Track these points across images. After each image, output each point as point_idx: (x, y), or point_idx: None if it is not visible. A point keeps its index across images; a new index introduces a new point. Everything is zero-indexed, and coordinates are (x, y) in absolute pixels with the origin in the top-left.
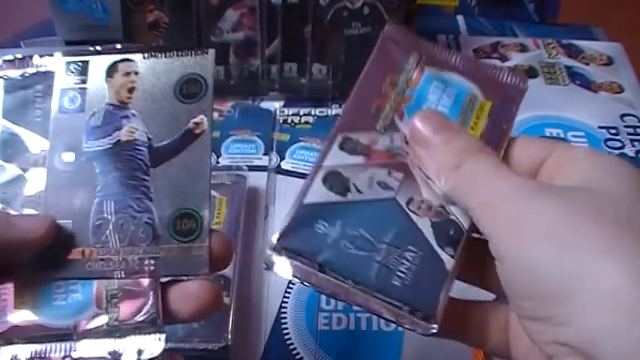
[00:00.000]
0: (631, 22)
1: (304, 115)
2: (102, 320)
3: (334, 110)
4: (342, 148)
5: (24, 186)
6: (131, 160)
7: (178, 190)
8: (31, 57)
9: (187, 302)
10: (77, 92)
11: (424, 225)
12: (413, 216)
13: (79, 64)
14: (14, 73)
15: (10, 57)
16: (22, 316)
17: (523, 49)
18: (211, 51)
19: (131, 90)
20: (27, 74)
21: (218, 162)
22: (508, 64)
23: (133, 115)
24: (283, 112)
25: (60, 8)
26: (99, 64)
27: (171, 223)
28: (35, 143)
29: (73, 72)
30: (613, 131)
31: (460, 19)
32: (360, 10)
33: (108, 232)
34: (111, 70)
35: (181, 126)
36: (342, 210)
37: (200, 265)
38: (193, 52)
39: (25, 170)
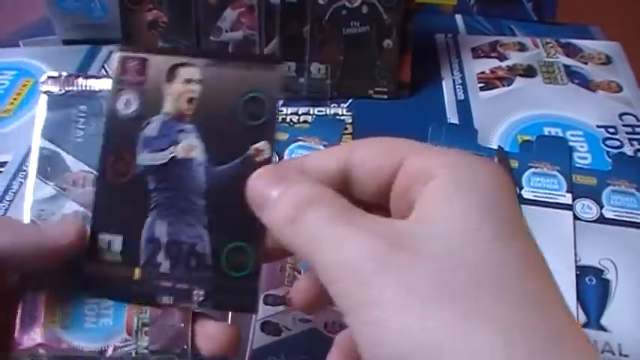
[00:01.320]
0: (630, 21)
1: (303, 114)
2: (131, 347)
3: (333, 109)
4: (266, 303)
5: (62, 205)
6: (187, 180)
7: (233, 221)
8: (77, 75)
9: (207, 341)
10: (132, 95)
11: None
12: (331, 335)
13: (137, 62)
14: (58, 90)
15: (55, 74)
16: (50, 334)
17: (522, 48)
18: (280, 67)
19: (191, 101)
20: (72, 93)
21: None
22: (507, 63)
23: (191, 130)
24: (282, 111)
25: (58, 7)
26: (158, 64)
27: (223, 255)
28: (76, 163)
29: (130, 70)
30: (611, 130)
31: (459, 18)
32: (359, 10)
33: (159, 255)
34: (170, 74)
35: (241, 150)
36: (282, 345)
37: (249, 304)
38: (261, 65)
39: (63, 190)
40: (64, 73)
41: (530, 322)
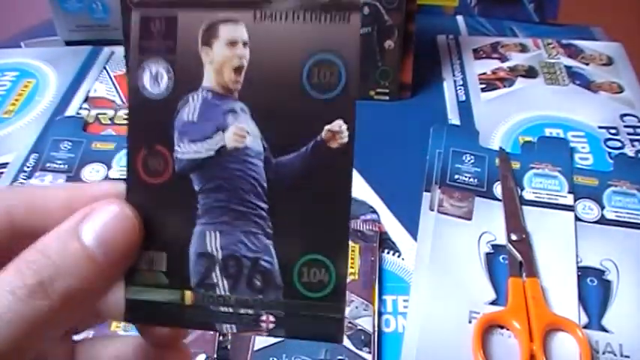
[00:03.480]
0: (631, 22)
1: None
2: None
3: None
4: None
5: None
6: (242, 177)
7: (307, 227)
8: None
9: None
10: (161, 67)
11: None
12: None
13: (163, 21)
14: None
15: None
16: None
17: (523, 49)
18: (355, 17)
19: (239, 70)
20: None
21: None
22: (508, 64)
23: (242, 109)
24: None
25: (60, 8)
26: (190, 23)
27: (296, 272)
28: None
29: (155, 33)
30: (613, 131)
31: (460, 19)
32: (360, 11)
33: (214, 273)
34: (209, 35)
35: (311, 133)
36: (283, 347)
37: (332, 331)
38: (328, 17)
39: None
40: None
41: None
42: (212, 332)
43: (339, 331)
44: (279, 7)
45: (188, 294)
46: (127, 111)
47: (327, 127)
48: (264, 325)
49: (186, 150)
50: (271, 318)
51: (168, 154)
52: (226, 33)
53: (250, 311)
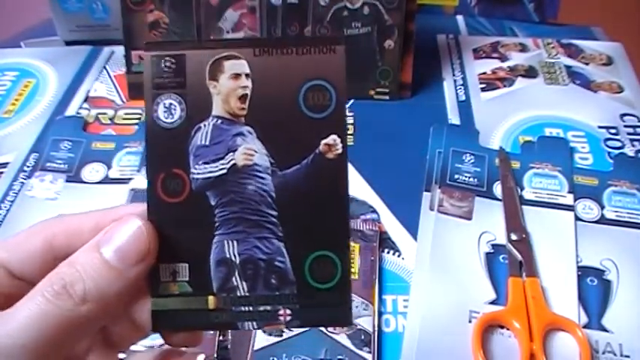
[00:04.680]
0: (631, 22)
1: None
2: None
3: None
4: None
5: None
6: (252, 190)
7: (312, 228)
8: None
9: None
10: (174, 100)
11: (342, 338)
12: (333, 335)
13: (173, 60)
14: None
15: None
16: None
17: (523, 48)
18: (340, 48)
19: (243, 99)
20: None
21: None
22: (508, 63)
23: (249, 132)
24: None
25: (60, 8)
26: (198, 60)
27: (306, 268)
28: None
29: (166, 71)
30: (613, 131)
31: (460, 19)
32: (360, 10)
33: (234, 277)
34: (214, 70)
35: (309, 148)
36: (283, 346)
37: (343, 315)
38: (317, 49)
39: None
40: None
41: None
42: (212, 332)
43: (348, 315)
44: (275, 44)
45: (211, 299)
46: (144, 141)
47: (323, 141)
48: (281, 318)
49: (201, 170)
50: (288, 311)
51: (185, 176)
52: (230, 67)
53: (269, 307)
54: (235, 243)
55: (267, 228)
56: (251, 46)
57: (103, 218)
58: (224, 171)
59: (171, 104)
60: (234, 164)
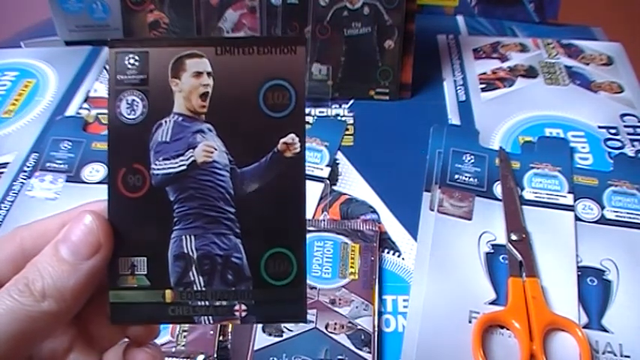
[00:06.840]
0: (631, 22)
1: None
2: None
3: (334, 110)
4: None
5: None
6: (211, 186)
7: (269, 225)
8: None
9: None
10: (137, 96)
11: (343, 338)
12: (333, 335)
13: (136, 57)
14: None
15: None
16: None
17: (523, 49)
18: (300, 49)
19: (204, 96)
20: None
21: None
22: (508, 64)
23: (209, 129)
24: None
25: (60, 8)
26: (161, 57)
27: (262, 264)
28: None
29: (129, 67)
30: (613, 131)
31: (460, 19)
32: (360, 11)
33: (191, 272)
34: (177, 68)
35: (268, 146)
36: (283, 346)
37: (297, 311)
38: (278, 50)
39: None
40: None
41: None
42: (208, 330)
43: (303, 311)
44: (236, 43)
45: (168, 292)
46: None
47: (282, 140)
48: (237, 313)
49: (161, 166)
50: (243, 307)
51: (145, 171)
52: (192, 65)
53: (225, 302)
54: (193, 238)
55: (224, 224)
56: (213, 44)
57: (68, 218)
58: (184, 167)
59: (133, 100)
60: (194, 161)
